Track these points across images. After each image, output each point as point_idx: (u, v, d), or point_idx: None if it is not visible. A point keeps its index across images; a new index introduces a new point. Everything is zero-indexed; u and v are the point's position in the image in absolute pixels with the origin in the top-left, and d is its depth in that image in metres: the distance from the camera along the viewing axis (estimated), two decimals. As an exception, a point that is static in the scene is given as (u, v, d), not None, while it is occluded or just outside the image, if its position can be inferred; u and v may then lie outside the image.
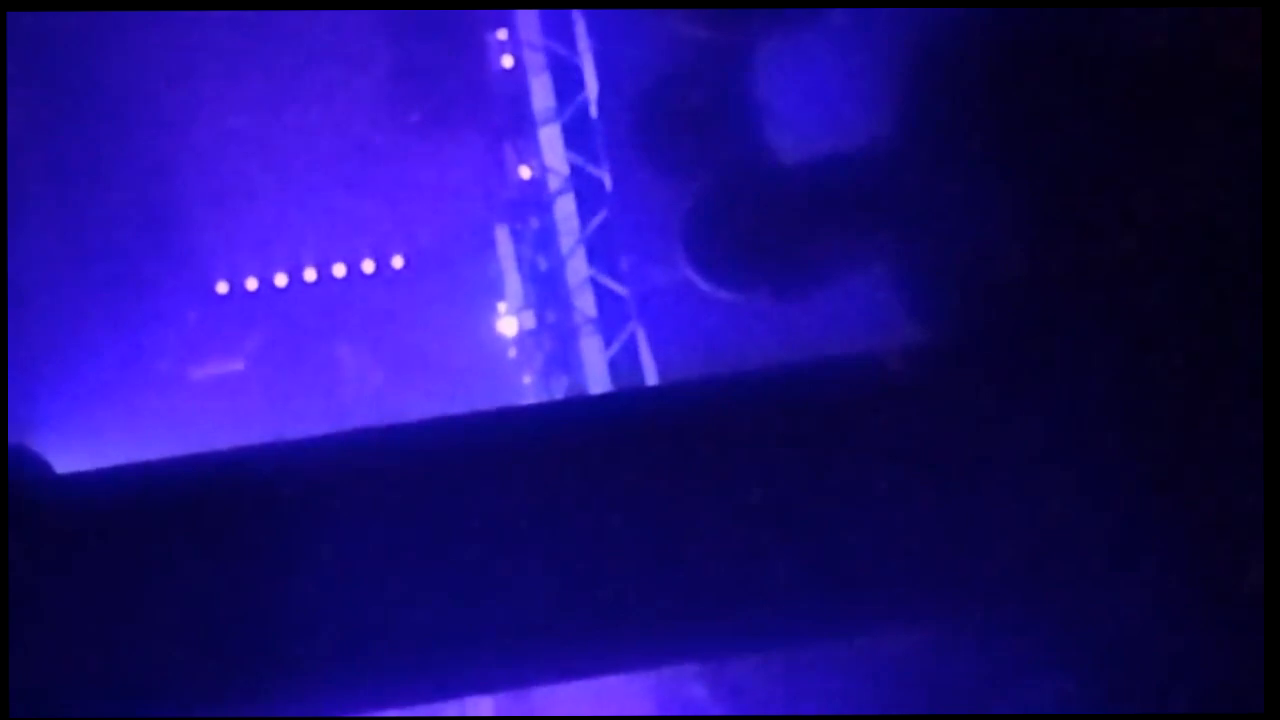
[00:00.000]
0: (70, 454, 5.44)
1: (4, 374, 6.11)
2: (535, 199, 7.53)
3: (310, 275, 7.79)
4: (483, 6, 7.49)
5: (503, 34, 7.65)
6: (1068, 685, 4.55)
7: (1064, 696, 4.53)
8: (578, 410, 5.07)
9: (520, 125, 7.57)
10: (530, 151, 7.54)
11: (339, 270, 7.81)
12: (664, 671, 5.16)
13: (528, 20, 7.60)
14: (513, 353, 7.64)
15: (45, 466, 4.36)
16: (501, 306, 7.68)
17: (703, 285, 5.60)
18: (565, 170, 7.38)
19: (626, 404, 5.41)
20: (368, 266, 7.85)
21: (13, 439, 4.58)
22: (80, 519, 4.15)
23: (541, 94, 7.49)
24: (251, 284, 7.75)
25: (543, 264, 7.51)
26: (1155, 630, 4.43)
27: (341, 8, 7.20)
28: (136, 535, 4.15)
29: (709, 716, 5.00)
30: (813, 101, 5.56)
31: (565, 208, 7.37)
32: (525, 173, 7.58)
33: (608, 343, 7.24)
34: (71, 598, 4.11)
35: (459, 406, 6.60)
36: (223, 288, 7.73)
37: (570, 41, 7.48)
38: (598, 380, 7.23)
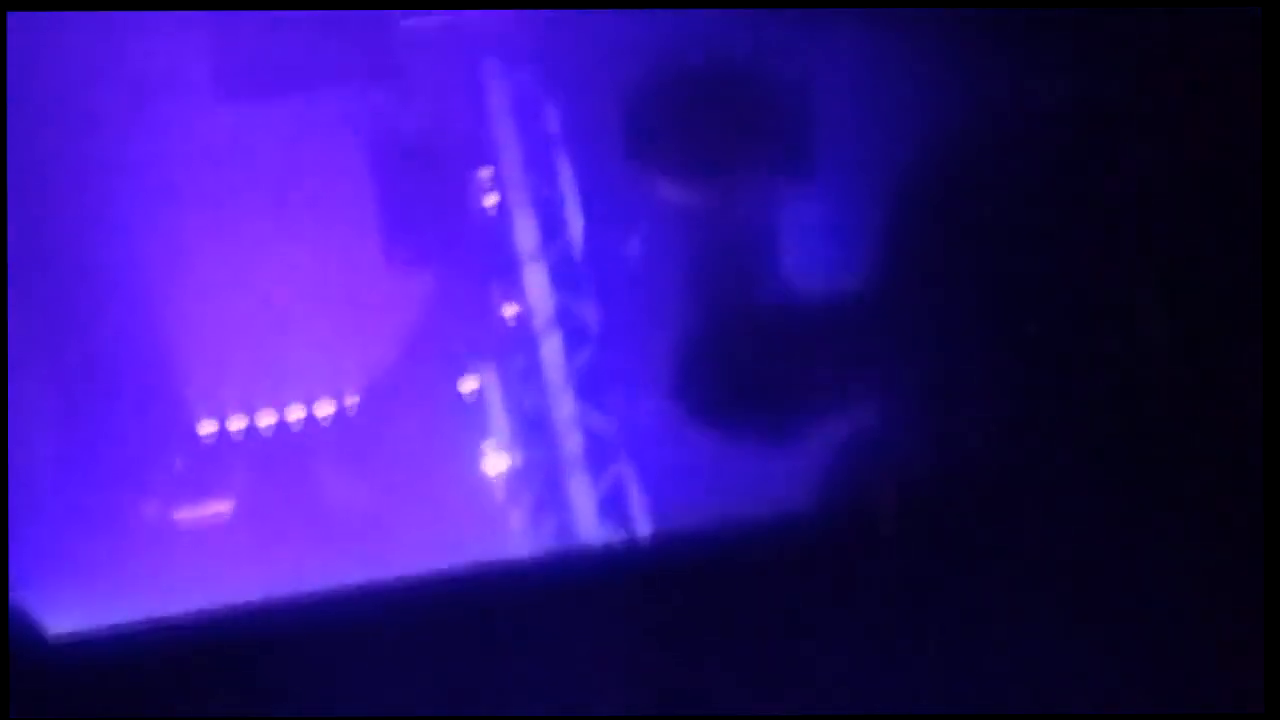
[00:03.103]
0: (57, 607, 5.39)
1: (4, 384, 6.06)
2: (520, 337, 7.53)
3: (295, 414, 7.76)
4: (468, 6, 7.43)
5: (486, 172, 7.67)
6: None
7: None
8: (566, 565, 5.05)
9: (505, 263, 7.58)
10: (515, 289, 7.54)
11: (324, 409, 7.78)
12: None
13: (511, 158, 7.62)
14: (500, 493, 7.61)
15: (36, 630, 4.33)
16: (488, 445, 7.66)
17: (691, 428, 5.60)
18: (550, 308, 7.38)
19: (615, 557, 5.40)
20: (352, 404, 7.83)
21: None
22: (75, 687, 4.12)
23: (525, 232, 7.51)
24: (236, 425, 7.72)
25: (529, 403, 7.50)
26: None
27: (339, 8, 7.19)
28: (132, 701, 4.13)
29: (703, 716, 4.93)
30: (803, 245, 5.57)
31: (551, 346, 7.36)
32: (510, 311, 7.58)
33: (596, 482, 7.21)
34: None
35: (448, 550, 6.57)
36: (207, 429, 7.70)
37: (553, 179, 7.51)
38: (586, 520, 7.20)
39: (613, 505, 7.10)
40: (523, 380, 7.53)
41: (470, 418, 7.63)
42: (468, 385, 7.67)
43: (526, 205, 7.52)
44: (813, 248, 5.58)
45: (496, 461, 7.59)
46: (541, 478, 7.42)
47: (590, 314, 7.30)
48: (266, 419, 7.71)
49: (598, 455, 7.19)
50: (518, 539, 7.42)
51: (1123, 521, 4.43)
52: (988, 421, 4.81)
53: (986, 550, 4.52)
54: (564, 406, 7.29)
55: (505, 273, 7.55)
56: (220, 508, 7.55)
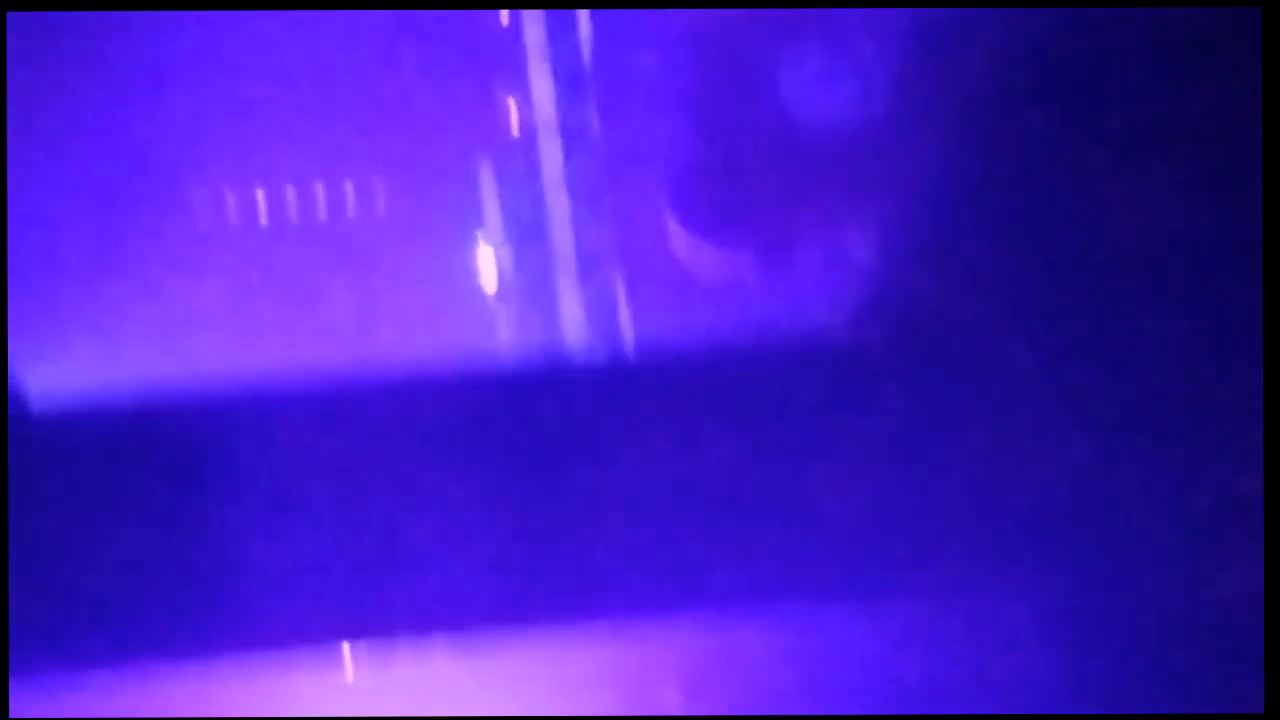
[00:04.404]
0: (37, 351, 5.38)
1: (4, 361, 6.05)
2: (522, 135, 7.49)
3: (290, 198, 7.76)
4: (484, 7, 7.42)
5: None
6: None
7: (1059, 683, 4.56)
8: (547, 367, 5.06)
9: (511, 59, 7.52)
10: (519, 86, 7.49)
11: (317, 188, 7.77)
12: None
13: (524, -48, 7.53)
14: (489, 289, 7.61)
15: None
16: (480, 241, 7.64)
17: (687, 242, 5.59)
18: (553, 108, 7.34)
19: (598, 364, 5.41)
20: (348, 190, 7.82)
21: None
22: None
23: (534, 29, 7.44)
24: (230, 204, 7.71)
25: (524, 202, 7.48)
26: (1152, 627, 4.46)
27: (345, 8, 7.18)
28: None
29: (692, 717, 5.00)
30: (810, 78, 5.54)
31: (551, 146, 7.33)
32: (513, 107, 7.54)
33: (585, 285, 7.21)
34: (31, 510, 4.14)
35: (431, 345, 6.58)
36: (200, 205, 7.69)
37: (565, -21, 7.42)
38: (573, 323, 7.21)
39: (600, 310, 7.11)
40: (519, 179, 7.50)
41: (464, 213, 7.62)
42: (465, 180, 7.64)
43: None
44: (820, 81, 5.55)
45: (487, 261, 7.59)
46: (531, 277, 7.41)
47: (593, 119, 7.26)
48: (261, 201, 7.69)
49: (589, 260, 7.19)
50: (502, 339, 7.43)
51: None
52: (979, 252, 4.80)
53: (975, 375, 4.53)
54: (559, 208, 7.28)
55: (511, 69, 7.50)
56: (207, 287, 7.54)
